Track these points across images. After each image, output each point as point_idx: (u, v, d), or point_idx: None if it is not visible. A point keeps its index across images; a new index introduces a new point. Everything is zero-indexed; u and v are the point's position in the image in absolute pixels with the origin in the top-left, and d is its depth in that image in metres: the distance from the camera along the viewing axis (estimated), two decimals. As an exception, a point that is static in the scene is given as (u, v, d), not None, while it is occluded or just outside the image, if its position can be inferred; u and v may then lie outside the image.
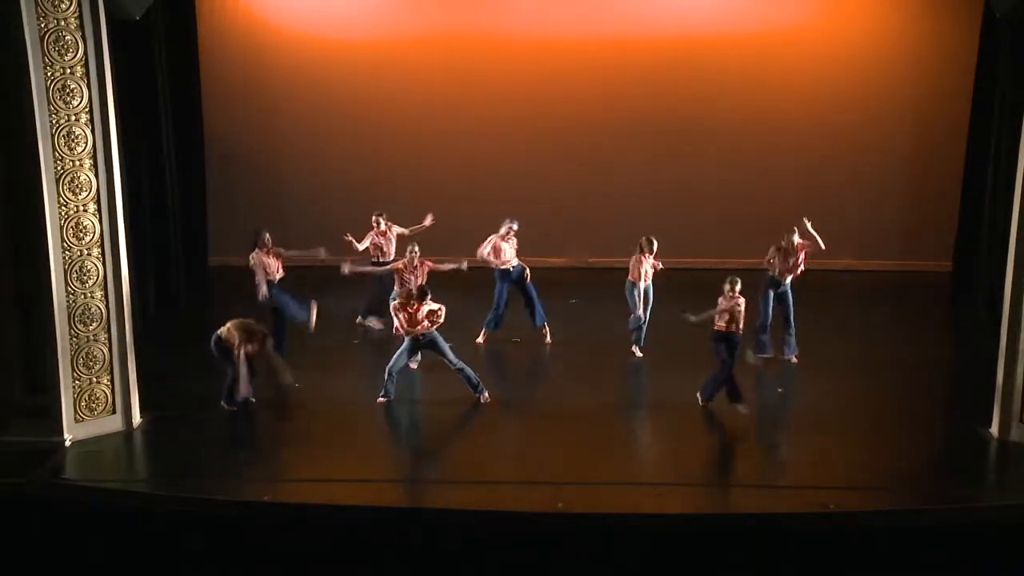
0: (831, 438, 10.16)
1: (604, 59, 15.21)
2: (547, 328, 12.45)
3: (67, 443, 9.69)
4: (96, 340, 9.83)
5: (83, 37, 9.31)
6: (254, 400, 10.57)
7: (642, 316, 11.85)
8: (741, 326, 10.38)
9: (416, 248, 11.73)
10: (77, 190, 9.55)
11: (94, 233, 9.67)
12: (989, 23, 13.33)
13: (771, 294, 11.69)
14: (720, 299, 10.34)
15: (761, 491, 9.10)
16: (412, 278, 11.59)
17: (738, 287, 10.27)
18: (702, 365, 11.57)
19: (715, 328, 10.38)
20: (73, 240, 9.58)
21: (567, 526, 8.52)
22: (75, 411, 9.79)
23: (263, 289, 11.51)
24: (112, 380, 9.96)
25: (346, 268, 11.99)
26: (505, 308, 12.40)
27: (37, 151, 9.28)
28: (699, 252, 13.13)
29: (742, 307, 10.33)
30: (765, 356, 11.56)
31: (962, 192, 14.59)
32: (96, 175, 9.60)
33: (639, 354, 11.89)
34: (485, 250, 12.24)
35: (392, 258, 12.40)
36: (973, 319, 13.22)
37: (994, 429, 9.93)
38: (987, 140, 13.64)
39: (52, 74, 9.25)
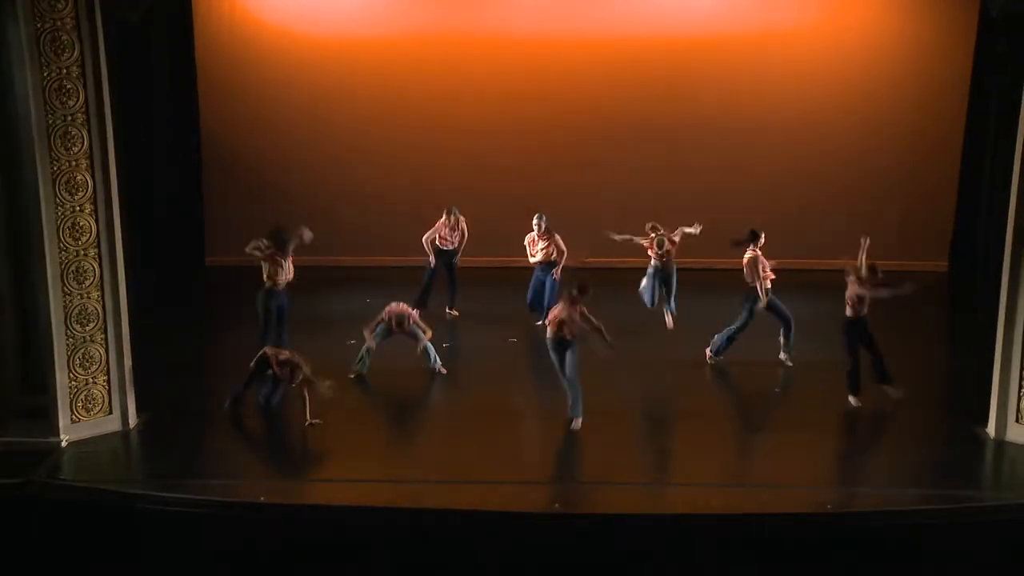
0: (827, 438, 10.18)
1: (601, 59, 15.21)
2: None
3: (64, 443, 9.67)
4: (93, 340, 9.82)
5: (79, 38, 9.29)
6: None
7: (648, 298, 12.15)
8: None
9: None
10: (73, 190, 9.53)
11: (91, 233, 9.65)
12: (986, 23, 13.36)
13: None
14: (857, 284, 10.38)
15: (757, 491, 9.09)
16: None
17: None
18: (698, 365, 11.60)
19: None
20: (70, 240, 9.56)
21: (563, 526, 8.52)
22: (72, 411, 9.77)
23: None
24: (109, 380, 9.94)
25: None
26: (532, 295, 12.72)
27: (33, 152, 9.27)
28: (695, 252, 13.12)
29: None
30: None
31: (958, 192, 14.62)
32: (92, 175, 9.58)
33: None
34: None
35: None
36: (969, 319, 13.23)
37: (991, 429, 9.94)
38: (983, 140, 13.68)
39: (48, 75, 9.23)
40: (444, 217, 12.98)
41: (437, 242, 12.99)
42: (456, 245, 13.07)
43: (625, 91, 15.22)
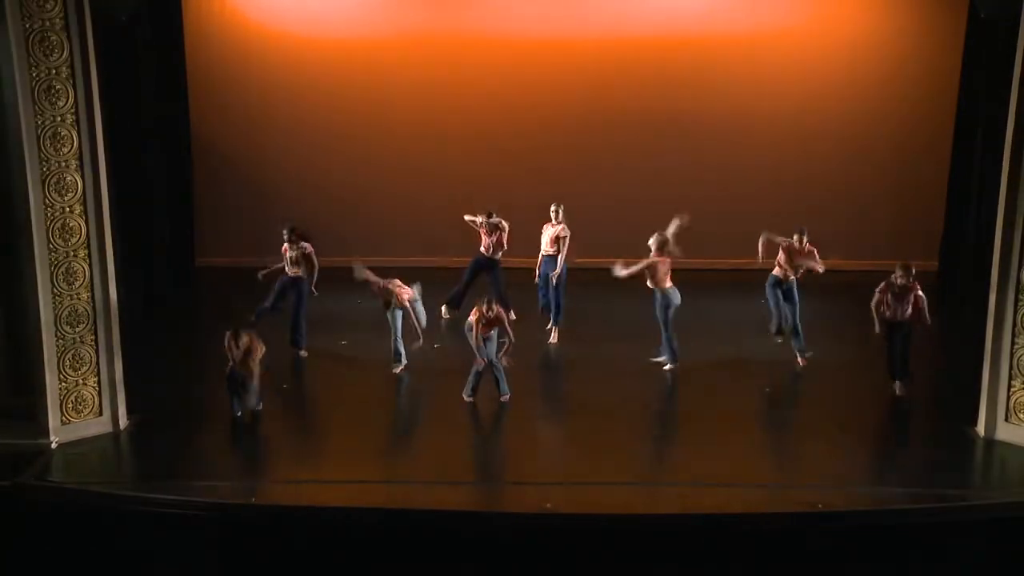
0: (818, 437, 10.19)
1: (594, 59, 15.21)
2: (555, 327, 12.56)
3: (53, 445, 9.65)
4: (83, 342, 9.79)
5: (68, 37, 9.27)
6: (260, 408, 10.48)
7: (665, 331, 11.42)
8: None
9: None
10: (63, 191, 9.51)
11: (80, 234, 9.63)
12: (974, 24, 13.40)
13: (778, 293, 11.65)
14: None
15: (747, 491, 9.11)
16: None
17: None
18: (693, 366, 11.61)
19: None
20: (59, 242, 9.54)
21: (555, 526, 8.52)
22: (61, 413, 9.75)
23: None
24: (99, 382, 9.92)
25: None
26: (543, 293, 12.64)
27: (22, 152, 9.25)
28: (686, 252, 13.10)
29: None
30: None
31: (948, 192, 14.66)
32: (82, 176, 9.56)
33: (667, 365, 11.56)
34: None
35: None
36: (959, 318, 13.27)
37: (980, 428, 9.99)
38: (972, 140, 13.72)
39: (37, 75, 9.21)
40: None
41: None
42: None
43: (614, 92, 15.23)
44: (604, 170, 15.37)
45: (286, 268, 12.02)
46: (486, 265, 12.96)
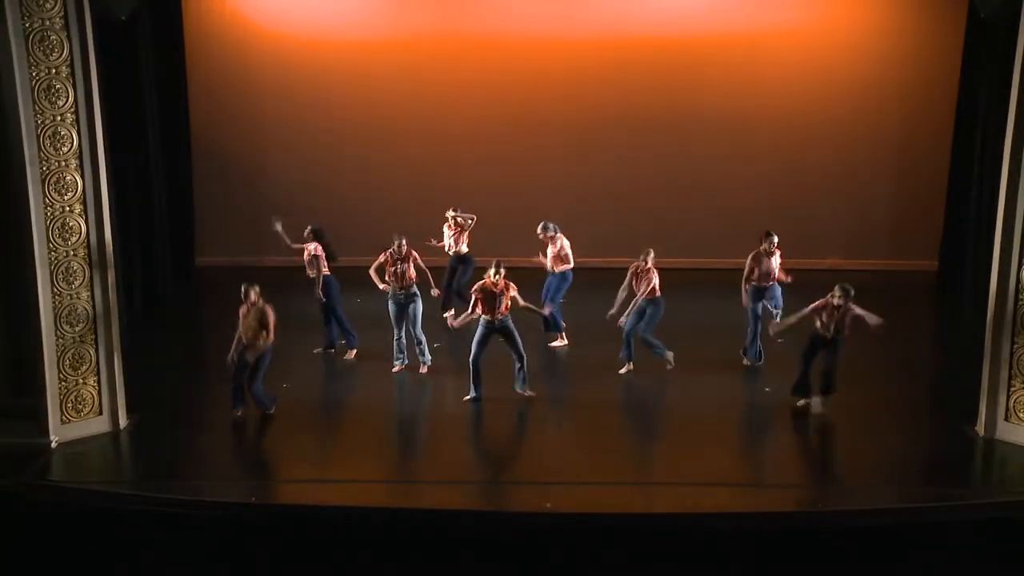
0: (818, 437, 10.20)
1: (593, 59, 15.23)
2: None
3: (53, 445, 9.65)
4: (83, 341, 9.80)
5: (68, 37, 9.27)
6: (272, 412, 10.42)
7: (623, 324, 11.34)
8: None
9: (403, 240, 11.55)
10: (63, 191, 9.51)
11: (80, 234, 9.63)
12: (974, 24, 13.40)
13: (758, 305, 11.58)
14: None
15: (748, 490, 9.12)
16: (396, 269, 11.40)
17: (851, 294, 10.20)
18: (692, 366, 11.60)
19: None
20: (59, 241, 9.54)
21: (556, 526, 8.52)
22: (61, 413, 9.75)
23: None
24: (99, 381, 9.92)
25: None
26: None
27: (22, 152, 9.25)
28: (686, 252, 13.14)
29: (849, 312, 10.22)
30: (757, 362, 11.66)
31: (948, 192, 14.67)
32: (82, 176, 9.56)
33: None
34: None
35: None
36: (959, 318, 13.27)
37: (980, 427, 9.99)
38: (972, 140, 13.72)
39: (37, 74, 9.22)
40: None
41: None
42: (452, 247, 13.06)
43: (615, 93, 15.24)
44: (604, 170, 15.37)
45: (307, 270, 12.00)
46: (460, 261, 12.98)
